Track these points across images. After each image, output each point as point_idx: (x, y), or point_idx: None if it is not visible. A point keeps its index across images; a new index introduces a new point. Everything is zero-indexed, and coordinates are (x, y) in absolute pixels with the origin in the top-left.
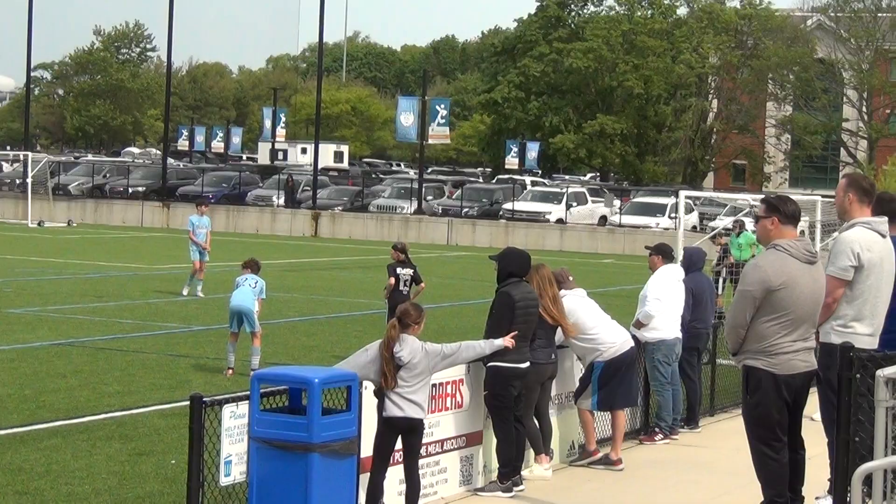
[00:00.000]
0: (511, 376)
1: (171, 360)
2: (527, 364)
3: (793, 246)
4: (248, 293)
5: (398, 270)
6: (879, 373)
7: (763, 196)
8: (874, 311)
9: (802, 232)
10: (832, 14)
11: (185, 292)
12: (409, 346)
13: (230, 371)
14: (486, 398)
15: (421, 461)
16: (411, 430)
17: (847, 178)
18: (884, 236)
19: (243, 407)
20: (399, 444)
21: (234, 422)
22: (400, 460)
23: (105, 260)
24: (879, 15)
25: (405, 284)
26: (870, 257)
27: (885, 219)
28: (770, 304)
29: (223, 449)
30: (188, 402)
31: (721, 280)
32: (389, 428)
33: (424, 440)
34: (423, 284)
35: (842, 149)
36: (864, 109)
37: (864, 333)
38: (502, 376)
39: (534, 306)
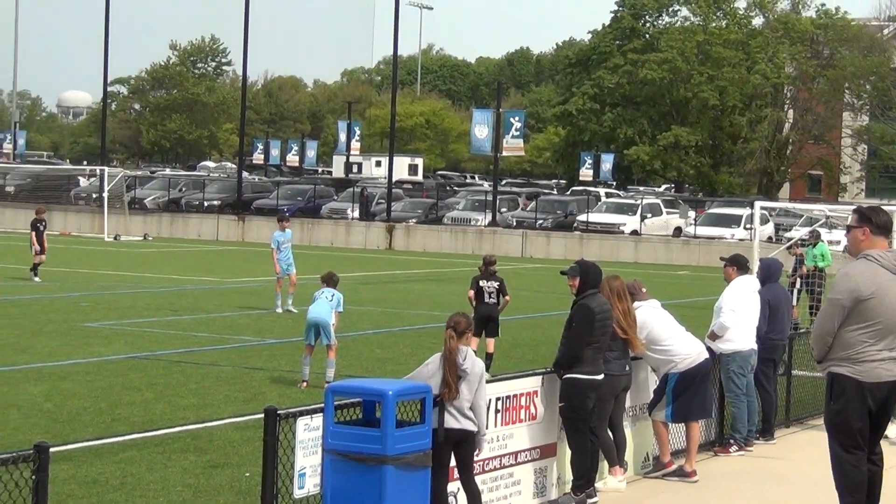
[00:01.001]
0: (587, 388)
1: (246, 373)
2: (602, 376)
3: (883, 256)
4: (325, 305)
5: (481, 283)
6: None
7: (855, 207)
8: None
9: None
10: None
11: (279, 309)
12: (471, 358)
13: (304, 384)
14: (562, 410)
15: (495, 473)
16: (465, 441)
17: None
18: None
19: (317, 419)
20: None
21: (309, 434)
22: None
23: (180, 273)
24: None
25: (489, 296)
26: None
27: None
28: (859, 313)
29: (297, 461)
30: (262, 415)
31: (795, 290)
32: (447, 439)
33: (498, 452)
34: (508, 297)
35: None
36: None
37: None
38: (579, 388)
39: (609, 318)
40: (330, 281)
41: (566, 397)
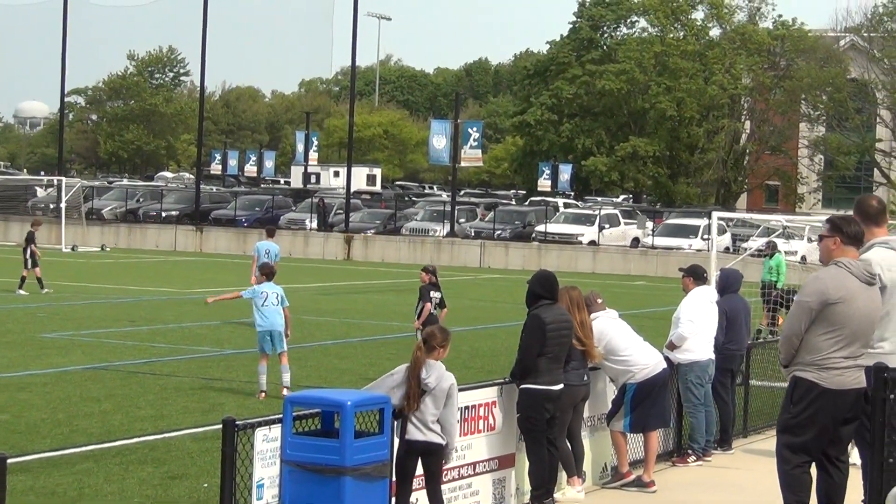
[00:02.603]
0: (544, 398)
1: (204, 384)
2: (560, 386)
3: (853, 265)
4: (276, 312)
5: (431, 293)
6: None
7: (829, 216)
8: None
9: None
10: (865, 34)
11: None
12: (437, 372)
13: (263, 394)
14: (519, 420)
15: (453, 484)
16: (431, 453)
17: (855, 202)
18: None
19: (276, 430)
20: (420, 469)
21: (267, 445)
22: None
23: (138, 284)
24: None
25: (435, 307)
26: (892, 276)
27: None
28: (826, 317)
29: (255, 472)
30: (221, 426)
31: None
32: (410, 451)
33: (458, 463)
34: (446, 309)
35: (875, 169)
36: None
37: (890, 352)
38: (535, 398)
39: (566, 328)
40: (271, 274)
41: (522, 408)
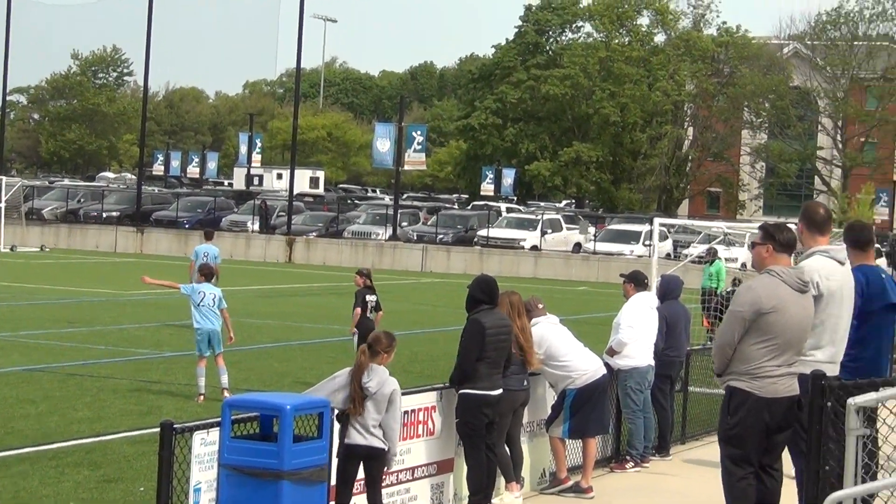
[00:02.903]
0: (482, 404)
1: (142, 386)
2: (499, 391)
3: (786, 273)
4: (214, 314)
5: (366, 297)
6: (851, 401)
7: (761, 223)
8: (833, 339)
9: None
10: (808, 42)
11: None
12: (378, 377)
13: (202, 397)
14: (458, 426)
15: (392, 489)
16: (372, 458)
17: (802, 207)
18: (842, 264)
19: (214, 434)
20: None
21: (205, 448)
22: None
23: (78, 285)
24: (855, 43)
25: (371, 311)
26: (829, 286)
27: (843, 247)
28: (759, 326)
29: (193, 476)
30: (158, 429)
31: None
32: (351, 455)
33: (396, 468)
34: (381, 312)
35: (816, 177)
36: (838, 138)
37: (824, 361)
38: (473, 403)
39: (506, 333)
40: (210, 275)
41: (461, 413)
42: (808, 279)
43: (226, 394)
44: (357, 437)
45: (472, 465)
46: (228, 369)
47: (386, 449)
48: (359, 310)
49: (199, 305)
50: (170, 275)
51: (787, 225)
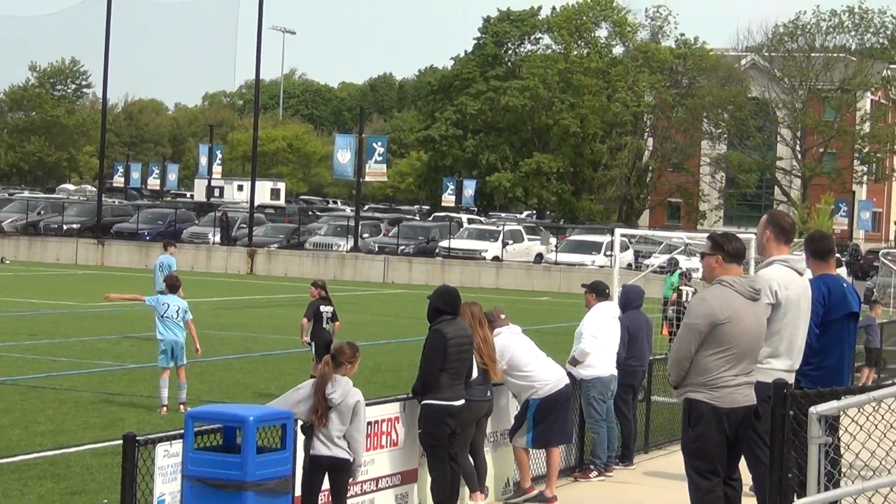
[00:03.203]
0: (445, 414)
1: (105, 399)
2: (461, 401)
3: (737, 282)
4: (177, 325)
5: (321, 308)
6: (813, 409)
7: (709, 234)
8: (790, 349)
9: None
10: (766, 53)
11: None
12: (342, 388)
13: (164, 408)
14: (421, 436)
15: (356, 499)
16: (337, 469)
17: (766, 216)
18: (801, 274)
19: (177, 445)
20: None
21: (168, 461)
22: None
23: (39, 297)
24: (812, 55)
25: (327, 321)
26: (787, 295)
27: (803, 256)
28: (715, 337)
29: (156, 488)
30: (121, 441)
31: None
32: (316, 466)
33: (360, 478)
34: (338, 323)
35: (776, 187)
36: (797, 148)
37: (780, 370)
38: (436, 414)
39: (467, 343)
40: (174, 286)
41: (424, 423)
42: (759, 287)
43: (183, 408)
44: (322, 448)
45: (435, 476)
46: (190, 381)
47: (351, 460)
48: (305, 320)
49: (163, 317)
50: (131, 287)
51: (736, 235)
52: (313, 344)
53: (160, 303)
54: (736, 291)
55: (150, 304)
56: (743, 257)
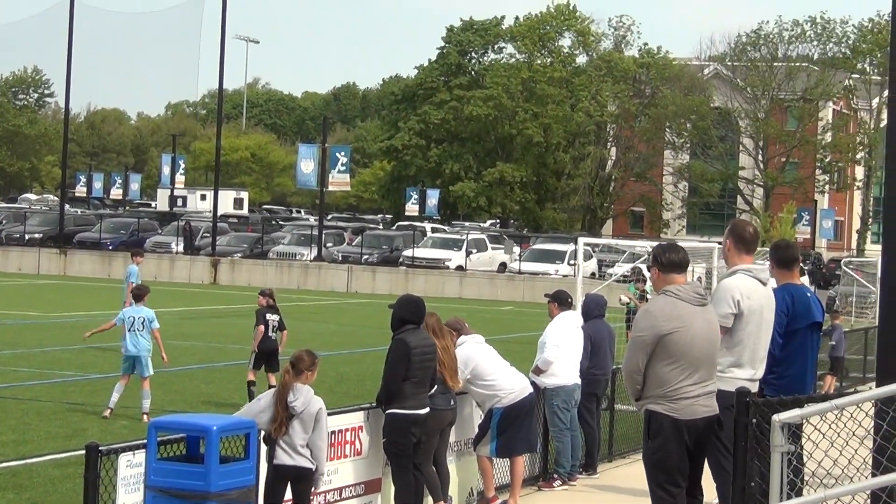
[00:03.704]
0: (409, 423)
1: (68, 409)
2: (426, 410)
3: (682, 290)
4: (144, 338)
5: (267, 316)
6: (775, 418)
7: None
8: (753, 358)
9: (699, 278)
10: (729, 63)
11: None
12: (304, 396)
13: (109, 411)
14: (385, 445)
15: None
16: (300, 478)
17: (729, 226)
18: (764, 283)
19: (140, 455)
20: (289, 493)
21: (131, 471)
22: None
23: (0, 308)
24: (775, 65)
25: (273, 330)
26: (749, 304)
27: (766, 266)
28: (664, 348)
29: (119, 498)
30: (84, 451)
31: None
32: (279, 475)
33: (324, 488)
34: (286, 332)
35: (738, 196)
36: (760, 157)
37: (743, 379)
38: (401, 423)
39: (431, 352)
40: (139, 297)
41: (388, 433)
42: (703, 292)
43: (146, 418)
44: (285, 458)
45: (399, 485)
46: (153, 391)
47: (314, 469)
48: (262, 327)
49: (129, 329)
50: (94, 296)
51: (677, 245)
52: (254, 352)
53: (126, 317)
54: (681, 299)
55: (119, 323)
56: (683, 267)
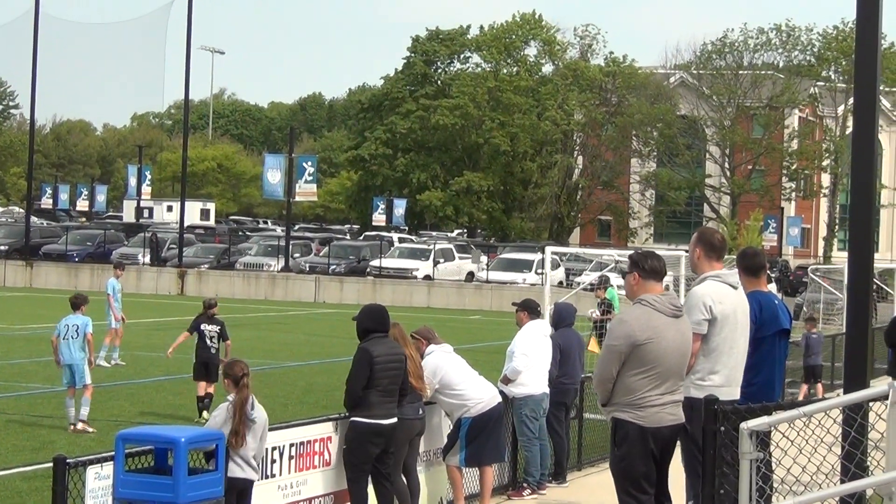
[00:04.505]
0: (369, 433)
1: (35, 421)
2: (392, 420)
3: (658, 301)
4: (75, 347)
5: (202, 326)
6: (744, 425)
7: (630, 252)
8: (729, 363)
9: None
10: (694, 71)
11: (105, 362)
12: (258, 407)
13: (73, 427)
14: (344, 453)
15: None
16: (245, 491)
17: (696, 234)
18: (735, 288)
19: (108, 468)
20: None
21: (99, 483)
22: None
23: None
24: (740, 72)
25: (212, 340)
26: (722, 309)
27: (736, 271)
28: (637, 357)
29: None
30: (51, 464)
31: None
32: (230, 488)
33: (292, 498)
34: (229, 342)
35: (705, 204)
36: (726, 165)
37: (721, 385)
38: (362, 433)
39: (396, 361)
40: (75, 305)
41: (348, 441)
42: (680, 304)
43: (81, 425)
44: (237, 471)
45: (354, 493)
46: (121, 402)
47: (254, 480)
48: (188, 333)
49: (63, 338)
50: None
51: (656, 253)
52: (195, 362)
53: (62, 325)
54: (656, 310)
55: (56, 335)
56: (662, 275)
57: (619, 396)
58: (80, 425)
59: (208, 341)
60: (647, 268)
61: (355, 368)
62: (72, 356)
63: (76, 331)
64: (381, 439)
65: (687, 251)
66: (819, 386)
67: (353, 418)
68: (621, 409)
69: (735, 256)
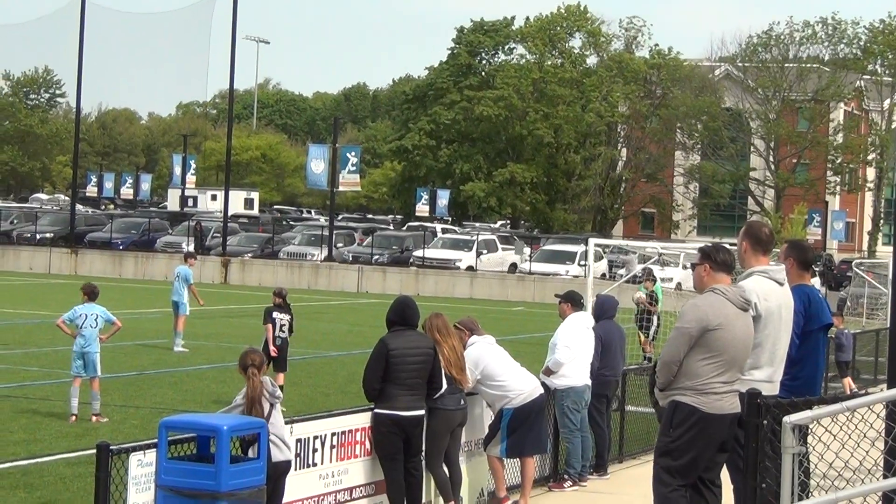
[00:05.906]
0: (389, 423)
1: (78, 408)
2: (416, 412)
3: (729, 291)
4: (92, 336)
5: (275, 315)
6: (786, 419)
7: (701, 245)
8: (772, 359)
9: None
10: (740, 64)
11: (179, 348)
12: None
13: (73, 417)
14: (373, 445)
15: None
16: (285, 473)
17: (744, 226)
18: (781, 284)
19: (151, 455)
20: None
21: (142, 470)
22: None
23: (11, 307)
24: (786, 65)
25: (281, 329)
26: (767, 306)
27: (783, 267)
28: (706, 343)
29: (129, 498)
30: (95, 450)
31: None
32: (271, 474)
33: (333, 488)
34: (293, 333)
35: (749, 197)
36: (771, 159)
37: (762, 380)
38: (382, 424)
39: (418, 355)
40: (91, 294)
41: (373, 432)
42: (750, 298)
43: (96, 419)
44: (276, 453)
45: (388, 483)
46: (164, 390)
47: (291, 459)
48: (269, 326)
49: (81, 327)
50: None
51: (725, 246)
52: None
53: (77, 314)
54: (728, 300)
55: (67, 320)
56: (732, 268)
57: (682, 380)
58: (94, 419)
59: (278, 331)
60: (718, 260)
61: (370, 360)
62: (89, 345)
63: (95, 319)
64: (400, 429)
65: (732, 244)
66: (846, 380)
67: (374, 410)
68: (683, 392)
69: (782, 248)
